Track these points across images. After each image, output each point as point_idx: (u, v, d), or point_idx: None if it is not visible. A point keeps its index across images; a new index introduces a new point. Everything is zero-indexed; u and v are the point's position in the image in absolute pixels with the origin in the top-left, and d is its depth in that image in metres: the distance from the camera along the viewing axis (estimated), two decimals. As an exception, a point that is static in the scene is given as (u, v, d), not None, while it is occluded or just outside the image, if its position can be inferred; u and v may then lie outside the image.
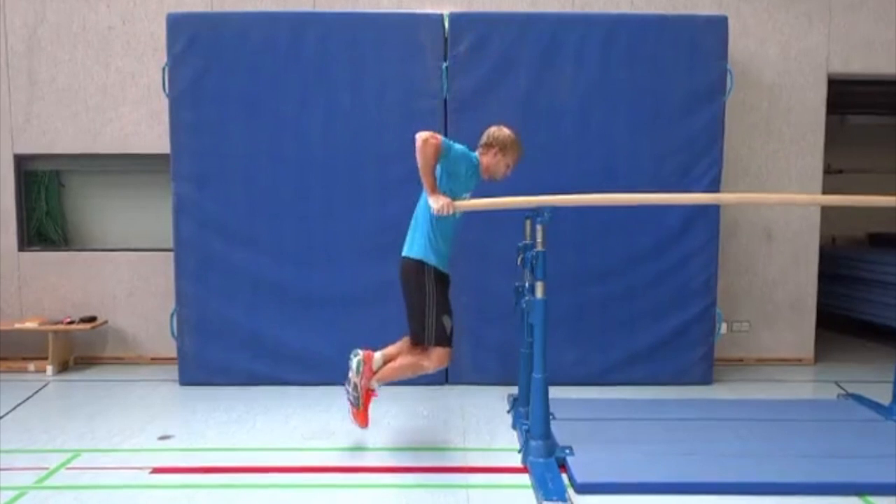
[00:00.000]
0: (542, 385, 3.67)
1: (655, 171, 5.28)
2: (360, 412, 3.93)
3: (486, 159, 3.93)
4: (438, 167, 3.72)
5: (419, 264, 3.82)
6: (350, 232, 5.29)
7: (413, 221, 3.92)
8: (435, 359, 3.87)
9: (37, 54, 5.90)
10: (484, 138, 3.95)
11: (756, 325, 6.07)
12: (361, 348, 3.96)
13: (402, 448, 4.09)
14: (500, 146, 3.90)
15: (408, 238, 3.92)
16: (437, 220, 3.77)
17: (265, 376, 5.32)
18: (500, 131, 3.94)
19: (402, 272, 3.91)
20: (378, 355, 3.97)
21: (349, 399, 3.93)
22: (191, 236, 5.30)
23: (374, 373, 3.92)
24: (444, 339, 3.85)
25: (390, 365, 3.94)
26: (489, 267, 5.14)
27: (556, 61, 5.26)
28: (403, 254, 3.90)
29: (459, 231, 4.01)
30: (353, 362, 3.91)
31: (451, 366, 5.30)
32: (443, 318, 3.83)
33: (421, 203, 3.86)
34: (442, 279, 3.88)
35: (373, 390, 3.95)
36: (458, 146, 3.77)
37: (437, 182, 3.73)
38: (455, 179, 3.79)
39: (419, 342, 3.88)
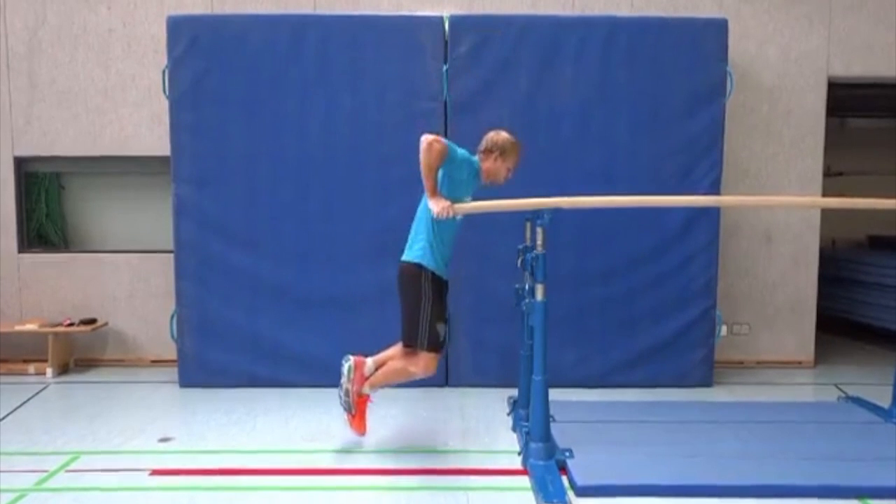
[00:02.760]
0: (542, 387, 3.68)
1: (655, 173, 5.29)
2: (356, 418, 3.97)
3: (486, 164, 3.93)
4: (440, 171, 3.71)
5: (418, 268, 3.81)
6: (350, 233, 5.29)
7: (414, 225, 3.91)
8: (423, 364, 3.85)
9: (37, 56, 5.90)
10: (483, 144, 3.96)
11: (756, 328, 6.07)
12: (353, 354, 3.99)
13: (402, 450, 4.09)
14: (500, 151, 3.91)
15: (408, 242, 3.92)
16: (438, 225, 3.77)
17: (265, 378, 5.32)
18: (498, 136, 3.94)
19: (400, 275, 3.91)
20: (370, 361, 3.99)
21: (342, 405, 3.96)
22: (191, 238, 5.31)
23: (366, 378, 3.94)
24: (436, 345, 3.85)
25: (381, 370, 3.97)
26: (489, 269, 5.14)
27: (556, 63, 5.27)
28: (403, 258, 3.90)
29: (459, 236, 4.01)
30: (344, 368, 3.94)
31: (451, 367, 5.38)
32: (437, 325, 3.83)
33: (422, 207, 3.86)
34: (439, 285, 3.88)
35: (366, 395, 3.97)
36: (461, 150, 3.77)
37: (438, 186, 3.72)
38: (457, 183, 3.79)
39: (412, 345, 3.88)
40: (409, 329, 3.86)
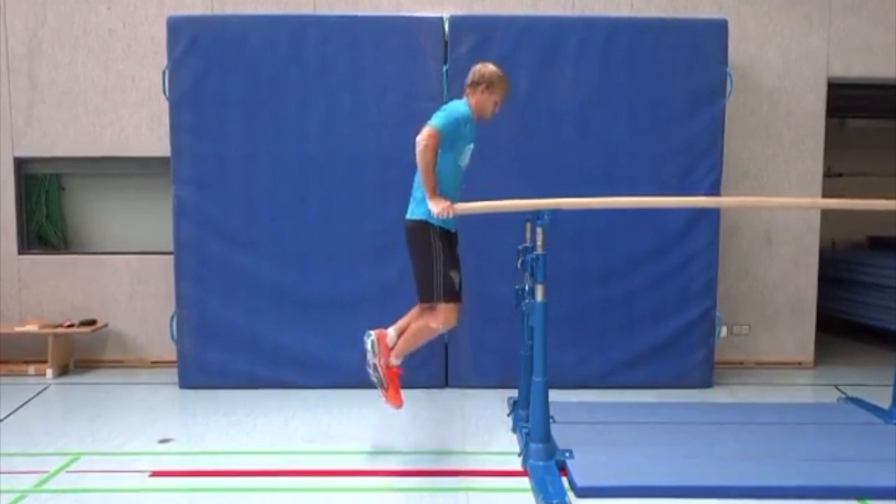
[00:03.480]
0: (542, 388, 3.67)
1: (655, 174, 5.29)
2: (390, 391, 3.89)
3: (473, 99, 3.91)
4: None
5: (423, 225, 3.79)
6: (350, 234, 5.29)
7: (415, 182, 3.87)
8: (442, 317, 3.82)
9: (37, 57, 5.90)
10: (469, 77, 3.94)
11: (756, 328, 6.07)
12: (372, 328, 3.93)
13: (402, 451, 4.09)
14: (487, 83, 3.89)
15: (411, 196, 3.89)
16: (439, 177, 3.73)
17: (265, 379, 5.32)
18: (485, 68, 3.93)
19: (407, 235, 3.89)
20: (391, 331, 3.94)
21: (373, 380, 3.90)
22: (191, 239, 5.31)
23: (391, 349, 3.89)
24: (453, 294, 3.81)
25: (403, 336, 3.91)
26: (489, 269, 5.13)
27: (556, 64, 5.27)
28: (407, 216, 3.88)
29: (463, 188, 3.95)
30: (368, 344, 3.88)
31: (451, 368, 5.37)
32: (451, 273, 3.79)
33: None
34: (448, 237, 3.85)
35: (396, 367, 3.91)
36: (450, 114, 3.74)
37: (440, 150, 3.70)
38: (458, 141, 3.78)
39: (428, 300, 3.85)
40: (423, 285, 3.84)
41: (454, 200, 3.81)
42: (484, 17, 5.55)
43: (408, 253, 3.93)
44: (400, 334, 3.94)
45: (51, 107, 5.92)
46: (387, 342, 3.91)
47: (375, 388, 3.95)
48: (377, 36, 5.27)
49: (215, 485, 3.58)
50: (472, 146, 3.91)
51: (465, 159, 3.91)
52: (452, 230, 3.90)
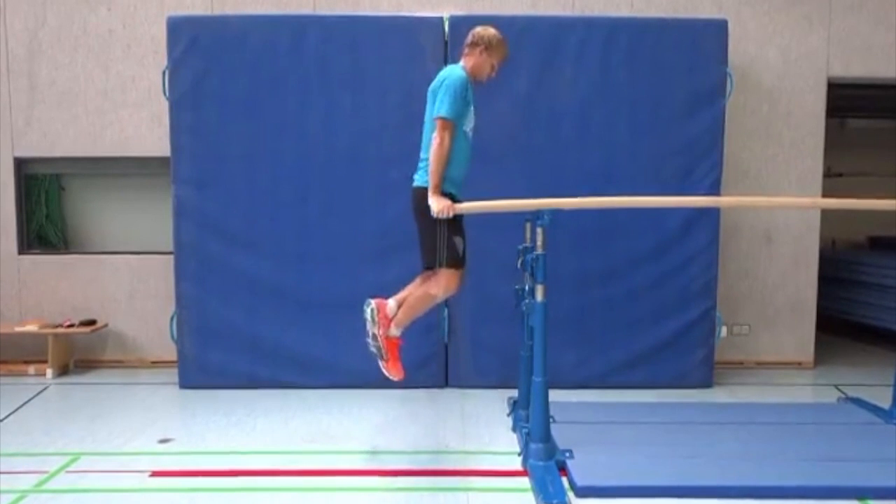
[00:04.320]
0: (543, 388, 3.67)
1: (655, 173, 5.29)
2: (390, 363, 3.86)
3: (471, 60, 3.91)
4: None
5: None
6: (350, 234, 5.29)
7: (423, 142, 3.85)
8: (444, 283, 3.80)
9: (37, 57, 5.90)
10: (469, 38, 3.95)
11: (756, 328, 6.07)
12: (373, 297, 3.90)
13: (402, 451, 4.09)
14: (486, 44, 3.90)
15: (419, 166, 3.88)
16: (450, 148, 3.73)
17: (265, 379, 5.32)
18: (485, 31, 3.94)
19: (414, 201, 3.86)
20: (391, 301, 3.90)
21: (373, 351, 3.87)
22: (191, 239, 5.31)
23: (391, 319, 3.86)
24: (456, 260, 3.79)
25: (403, 306, 3.88)
26: (489, 269, 5.12)
27: (556, 64, 5.27)
28: (415, 183, 3.87)
29: (471, 155, 3.94)
30: (367, 313, 3.85)
31: (451, 368, 5.37)
32: (454, 239, 3.77)
33: (428, 129, 3.82)
34: (454, 203, 3.81)
35: (396, 338, 3.88)
36: (454, 92, 3.72)
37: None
38: (464, 110, 3.78)
39: (431, 266, 3.84)
40: (427, 251, 3.83)
41: (460, 178, 3.83)
42: (484, 18, 5.51)
43: (413, 218, 3.90)
44: (400, 305, 3.89)
45: (51, 107, 5.92)
46: (387, 312, 3.86)
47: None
48: (377, 36, 5.27)
49: (215, 485, 3.58)
50: (473, 108, 3.90)
51: (471, 123, 3.90)
52: (458, 199, 3.87)
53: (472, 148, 3.96)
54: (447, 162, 3.72)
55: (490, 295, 5.16)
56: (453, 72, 3.84)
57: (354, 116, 5.27)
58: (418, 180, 3.87)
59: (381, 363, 3.89)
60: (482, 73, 3.94)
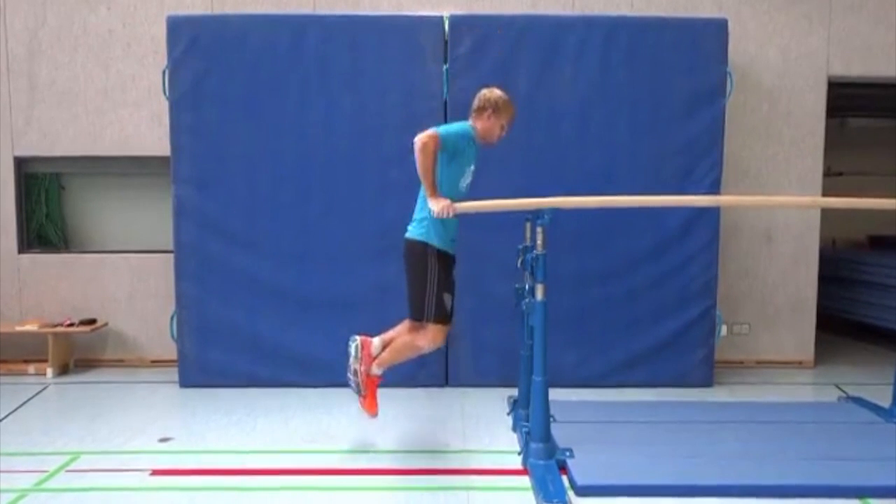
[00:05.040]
0: (543, 387, 3.67)
1: (655, 173, 5.29)
2: (367, 399, 3.92)
3: (480, 123, 3.92)
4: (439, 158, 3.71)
5: (422, 245, 3.80)
6: (350, 234, 5.29)
7: (418, 201, 3.87)
8: (430, 337, 3.84)
9: (37, 57, 5.90)
10: (475, 102, 3.95)
11: (756, 328, 6.07)
12: (359, 334, 3.96)
13: (402, 450, 4.09)
14: (493, 108, 3.90)
15: (414, 213, 3.89)
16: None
17: (265, 378, 5.32)
18: (491, 93, 3.93)
19: (405, 252, 3.89)
20: (377, 340, 3.95)
21: (351, 386, 3.92)
22: (191, 239, 5.31)
23: (374, 358, 3.90)
24: (443, 316, 3.82)
25: (388, 348, 3.92)
26: (489, 269, 5.14)
27: (556, 63, 5.27)
28: (406, 235, 3.89)
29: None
30: (351, 348, 3.91)
31: (451, 367, 5.37)
32: (443, 295, 3.80)
33: (422, 193, 3.83)
34: (446, 259, 3.85)
35: (376, 376, 3.93)
36: (452, 127, 3.78)
37: (440, 166, 3.71)
38: (459, 157, 3.79)
39: (419, 319, 3.86)
40: (415, 303, 3.85)
41: (453, 224, 3.84)
42: (484, 17, 5.54)
43: (404, 269, 3.93)
44: (385, 345, 3.95)
45: (51, 106, 5.92)
46: (370, 350, 3.93)
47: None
48: (377, 35, 5.27)
49: (215, 483, 3.58)
50: (473, 168, 3.91)
51: (466, 180, 3.90)
52: (451, 253, 3.91)
53: (473, 175, 3.95)
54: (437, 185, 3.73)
55: (490, 294, 5.16)
56: (462, 123, 3.89)
57: (354, 116, 5.27)
58: (411, 232, 3.88)
59: (358, 399, 3.97)
60: (492, 135, 3.95)
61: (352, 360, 3.91)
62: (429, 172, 3.67)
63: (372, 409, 3.94)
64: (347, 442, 4.17)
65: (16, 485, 3.49)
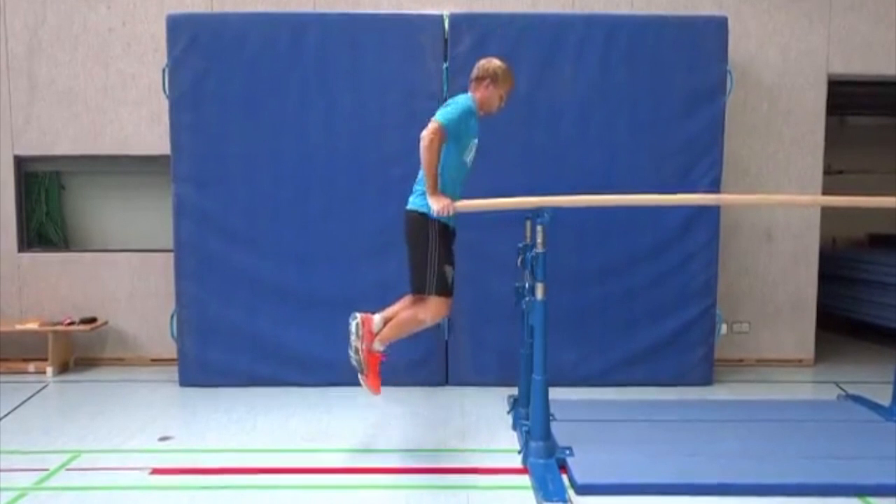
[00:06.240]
0: (543, 386, 3.67)
1: (655, 171, 5.28)
2: (370, 377, 3.88)
3: (479, 93, 3.91)
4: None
5: (423, 217, 3.78)
6: (350, 233, 5.29)
7: (419, 174, 3.85)
8: (432, 309, 3.81)
9: (37, 56, 5.90)
10: (474, 72, 3.95)
11: (756, 326, 6.07)
12: (360, 311, 3.93)
13: (402, 449, 4.09)
14: (492, 77, 3.89)
15: (414, 185, 3.88)
16: (442, 171, 3.73)
17: (265, 377, 5.32)
18: (489, 63, 3.93)
19: (405, 224, 3.88)
20: (377, 317, 3.92)
21: (353, 363, 3.89)
22: (191, 237, 5.31)
23: (375, 335, 3.88)
24: (445, 288, 3.80)
25: (390, 323, 3.89)
26: (489, 268, 5.14)
27: (556, 62, 5.26)
28: (407, 206, 3.87)
29: (467, 181, 3.95)
30: (352, 325, 3.87)
31: (451, 367, 5.37)
32: (444, 267, 3.78)
33: None
34: (446, 232, 3.83)
35: (378, 353, 3.90)
36: (454, 111, 3.74)
37: (445, 146, 3.71)
38: (463, 136, 3.78)
39: (420, 292, 3.84)
40: (416, 276, 3.83)
41: (456, 197, 3.80)
42: (484, 15, 5.53)
43: (405, 241, 3.92)
44: (386, 322, 3.91)
45: (51, 105, 5.92)
46: (371, 327, 3.88)
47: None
48: (377, 34, 5.27)
49: (215, 482, 3.58)
50: (475, 141, 3.91)
51: (470, 154, 3.90)
52: (451, 226, 3.89)
53: (476, 148, 3.95)
54: (439, 173, 3.71)
55: (490, 293, 5.16)
56: (462, 99, 3.86)
57: (354, 115, 5.26)
58: (411, 203, 3.87)
59: (360, 377, 3.93)
60: (491, 105, 3.94)
61: (353, 337, 3.86)
62: (432, 168, 3.66)
63: (374, 385, 3.89)
64: (347, 441, 4.17)
65: (16, 483, 3.50)
